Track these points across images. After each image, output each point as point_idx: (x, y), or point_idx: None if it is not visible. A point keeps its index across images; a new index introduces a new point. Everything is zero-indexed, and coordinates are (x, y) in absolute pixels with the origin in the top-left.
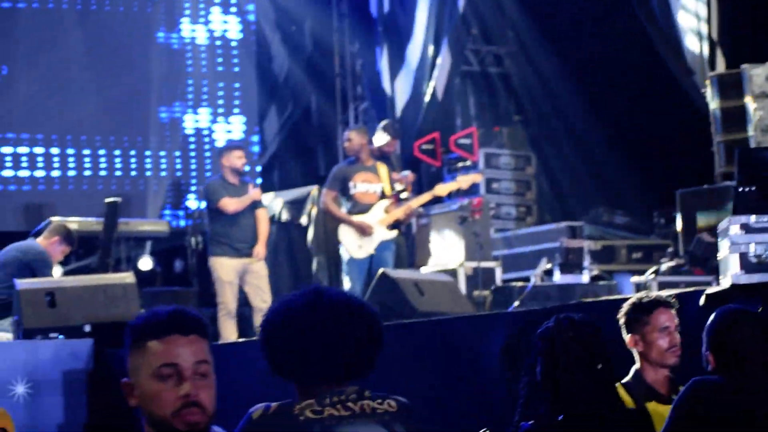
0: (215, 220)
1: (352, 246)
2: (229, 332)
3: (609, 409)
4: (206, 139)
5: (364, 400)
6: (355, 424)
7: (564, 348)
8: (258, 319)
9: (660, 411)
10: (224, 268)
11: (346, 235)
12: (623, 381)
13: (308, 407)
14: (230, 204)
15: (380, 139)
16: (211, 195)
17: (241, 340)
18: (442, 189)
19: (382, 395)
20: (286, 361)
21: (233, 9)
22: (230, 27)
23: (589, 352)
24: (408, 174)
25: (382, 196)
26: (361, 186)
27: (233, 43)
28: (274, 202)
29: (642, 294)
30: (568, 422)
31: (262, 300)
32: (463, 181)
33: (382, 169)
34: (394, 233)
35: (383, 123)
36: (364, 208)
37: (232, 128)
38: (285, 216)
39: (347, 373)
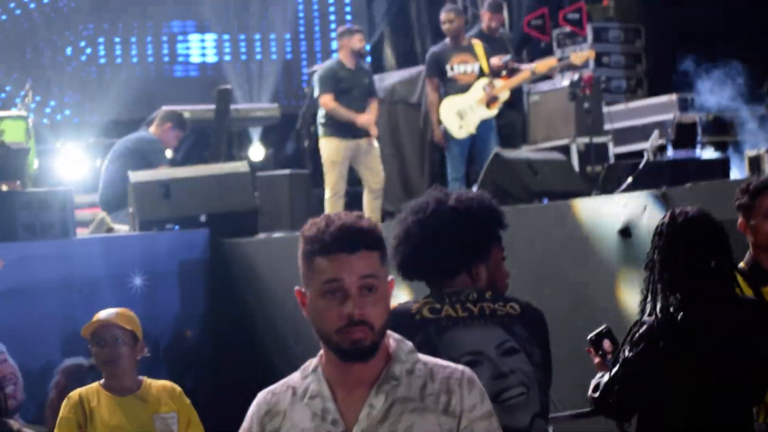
0: None
1: (453, 126)
2: None
3: (724, 305)
4: (317, 21)
5: (483, 302)
6: (472, 326)
7: (678, 246)
8: (369, 200)
9: None
10: (333, 148)
11: (447, 116)
12: (738, 266)
13: (426, 305)
14: (329, 104)
15: (486, 17)
16: (318, 85)
17: None
18: (541, 66)
19: (506, 298)
20: (410, 263)
21: None
22: None
23: (704, 249)
24: (508, 59)
25: (481, 74)
26: (458, 67)
27: None
28: (386, 82)
29: (753, 178)
30: (687, 318)
31: (374, 181)
32: (576, 57)
33: (478, 47)
34: (494, 111)
35: (487, 1)
36: (463, 88)
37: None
38: (396, 96)
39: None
